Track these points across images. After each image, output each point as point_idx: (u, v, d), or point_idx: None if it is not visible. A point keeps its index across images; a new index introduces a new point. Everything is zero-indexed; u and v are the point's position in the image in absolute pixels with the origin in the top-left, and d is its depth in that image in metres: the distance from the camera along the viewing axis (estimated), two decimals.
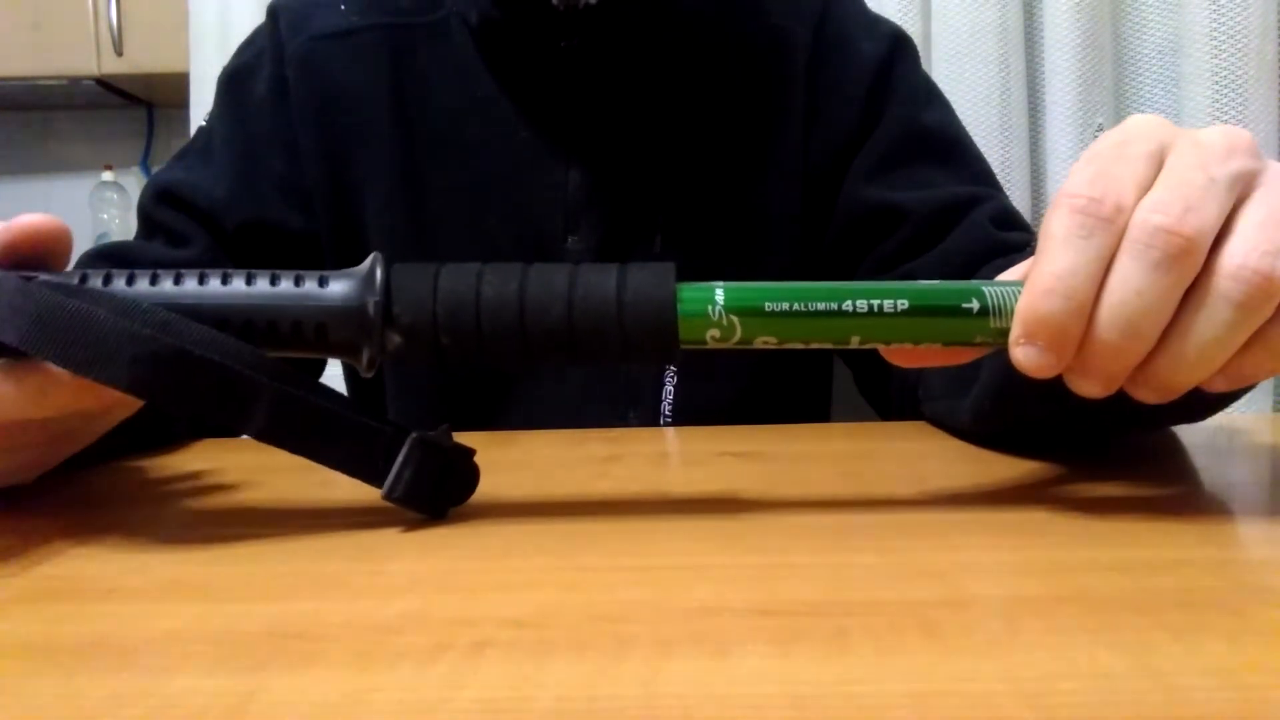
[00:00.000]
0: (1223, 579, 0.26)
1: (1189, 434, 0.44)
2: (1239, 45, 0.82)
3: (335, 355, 0.31)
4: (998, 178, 0.64)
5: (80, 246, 0.42)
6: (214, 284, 0.30)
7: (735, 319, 0.30)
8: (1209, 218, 0.27)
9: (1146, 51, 0.89)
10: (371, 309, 0.30)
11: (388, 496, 0.31)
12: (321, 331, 0.30)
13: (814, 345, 0.30)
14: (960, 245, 0.55)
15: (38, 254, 0.31)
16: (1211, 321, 0.27)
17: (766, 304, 0.30)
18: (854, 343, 0.30)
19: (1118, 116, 0.89)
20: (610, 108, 0.60)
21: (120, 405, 0.32)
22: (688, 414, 0.59)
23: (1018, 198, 0.84)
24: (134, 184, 2.07)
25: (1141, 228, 0.27)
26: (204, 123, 0.64)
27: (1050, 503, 0.33)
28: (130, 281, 0.30)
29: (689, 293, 0.30)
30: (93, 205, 2.05)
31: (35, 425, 0.32)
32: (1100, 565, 0.27)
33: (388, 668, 0.21)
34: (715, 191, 0.61)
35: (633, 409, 0.60)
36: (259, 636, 0.23)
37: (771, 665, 0.21)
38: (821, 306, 0.30)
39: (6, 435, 0.32)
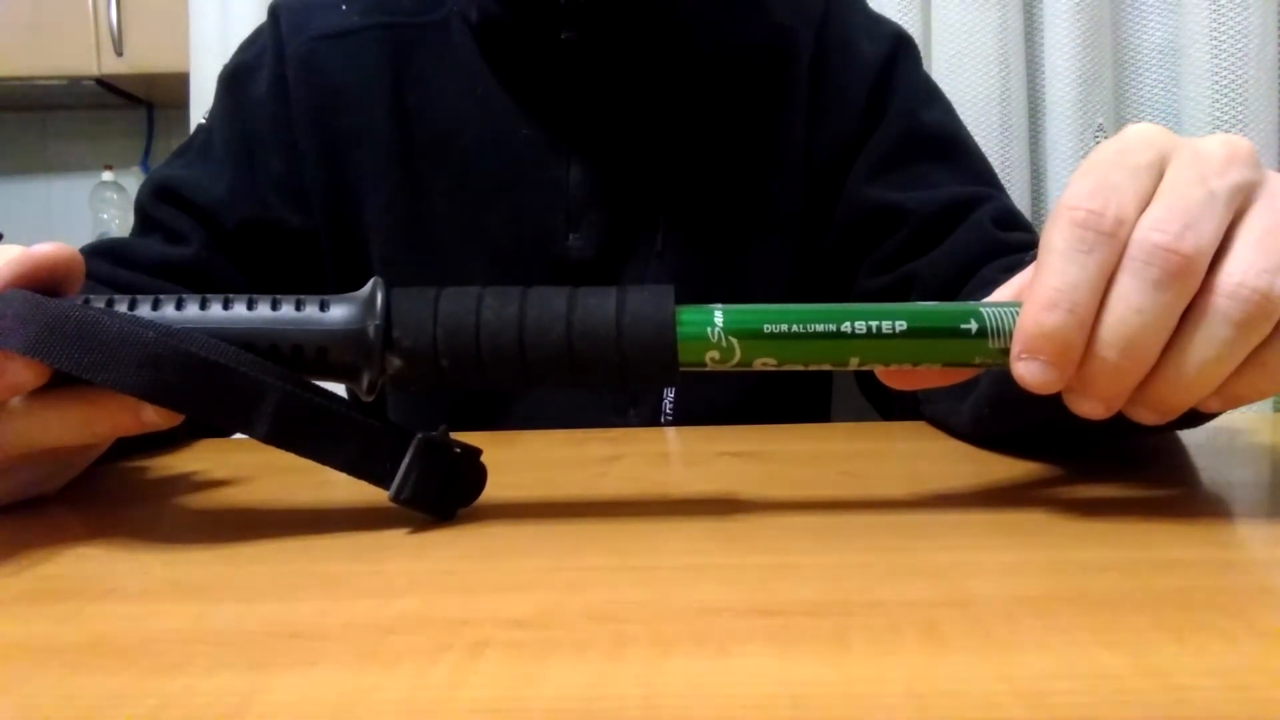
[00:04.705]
0: (1223, 579, 0.26)
1: (1189, 434, 0.44)
2: (1239, 46, 0.82)
3: (335, 378, 0.31)
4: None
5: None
6: (215, 308, 0.30)
7: (734, 341, 0.30)
8: (1207, 234, 0.27)
9: (1146, 52, 0.89)
10: (372, 332, 0.30)
11: (395, 498, 0.31)
12: (322, 355, 0.30)
13: (813, 367, 0.31)
14: (961, 245, 0.55)
15: (55, 281, 0.31)
16: (1210, 340, 0.27)
17: (765, 326, 0.30)
18: (853, 364, 0.30)
19: (1118, 116, 0.89)
20: (611, 104, 0.60)
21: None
22: (689, 414, 0.59)
23: (1018, 198, 0.84)
24: (134, 184, 2.07)
25: (1140, 245, 0.27)
26: (203, 121, 0.64)
27: (1050, 503, 0.33)
28: (132, 306, 0.30)
29: (688, 315, 0.30)
30: (93, 205, 2.05)
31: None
32: (1100, 565, 0.27)
33: (388, 668, 0.21)
34: (717, 189, 0.61)
35: (633, 409, 0.60)
36: (259, 636, 0.23)
37: (771, 665, 0.21)
38: (820, 328, 0.30)
39: (42, 455, 0.33)
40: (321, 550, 0.30)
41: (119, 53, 1.77)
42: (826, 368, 0.31)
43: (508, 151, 0.60)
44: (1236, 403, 0.28)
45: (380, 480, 0.32)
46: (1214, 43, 0.82)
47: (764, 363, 0.30)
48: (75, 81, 1.84)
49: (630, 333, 0.30)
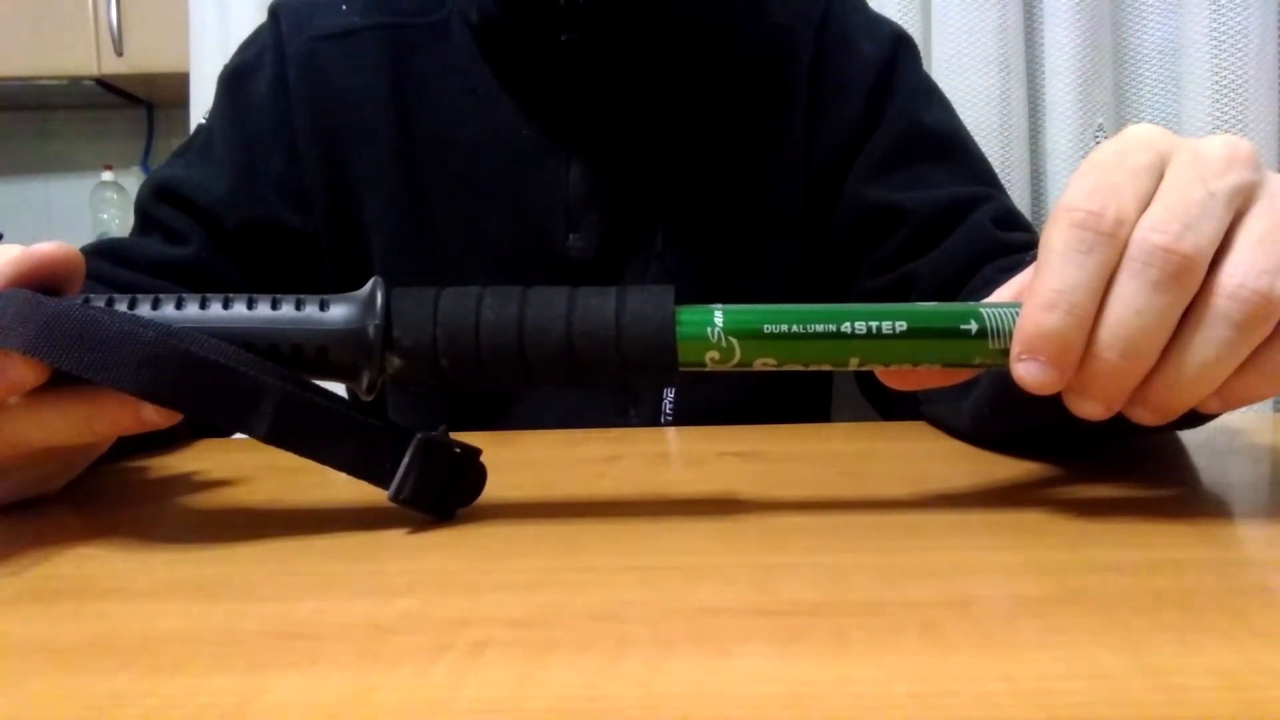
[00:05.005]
0: (1223, 579, 0.26)
1: (1189, 434, 0.44)
2: (1239, 46, 0.82)
3: (335, 378, 0.31)
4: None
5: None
6: (215, 308, 0.30)
7: (734, 341, 0.30)
8: (1207, 235, 0.27)
9: (1146, 52, 0.89)
10: (372, 332, 0.30)
11: (394, 498, 0.31)
12: (322, 354, 0.30)
13: (813, 367, 0.31)
14: (961, 245, 0.55)
15: (56, 280, 0.31)
16: (1210, 341, 0.27)
17: (765, 326, 0.30)
18: (853, 364, 0.30)
19: (1118, 117, 0.89)
20: (611, 104, 0.60)
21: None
22: (689, 414, 0.59)
23: (1018, 198, 0.84)
24: (134, 184, 2.07)
25: (1140, 246, 0.27)
26: (204, 121, 0.64)
27: (1050, 503, 0.33)
28: (132, 306, 0.30)
29: (688, 315, 0.30)
30: (93, 205, 2.05)
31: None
32: (1100, 565, 0.27)
33: (388, 668, 0.21)
34: (717, 188, 0.61)
35: (634, 409, 0.60)
36: (259, 636, 0.23)
37: (771, 665, 0.21)
38: (820, 328, 0.30)
39: (43, 455, 0.33)
40: (321, 550, 0.30)
41: (119, 53, 1.77)
42: (826, 368, 0.31)
43: (508, 152, 0.60)
44: (1236, 404, 0.28)
45: (380, 480, 0.32)
46: (1214, 43, 0.82)
47: (764, 363, 0.30)
48: (75, 81, 1.84)
49: (630, 333, 0.30)
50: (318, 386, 0.32)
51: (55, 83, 1.85)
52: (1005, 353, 0.29)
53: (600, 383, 0.31)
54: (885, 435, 0.51)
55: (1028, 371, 0.28)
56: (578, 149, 0.60)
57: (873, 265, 0.60)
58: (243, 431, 0.30)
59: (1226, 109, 0.83)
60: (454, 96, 0.61)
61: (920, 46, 0.73)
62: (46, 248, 0.31)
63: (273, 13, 0.64)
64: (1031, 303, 0.28)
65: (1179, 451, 0.42)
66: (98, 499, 0.38)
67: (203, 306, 0.30)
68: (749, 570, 0.27)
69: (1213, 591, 0.25)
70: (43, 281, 0.31)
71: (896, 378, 0.32)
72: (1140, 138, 0.29)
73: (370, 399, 0.31)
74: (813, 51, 0.62)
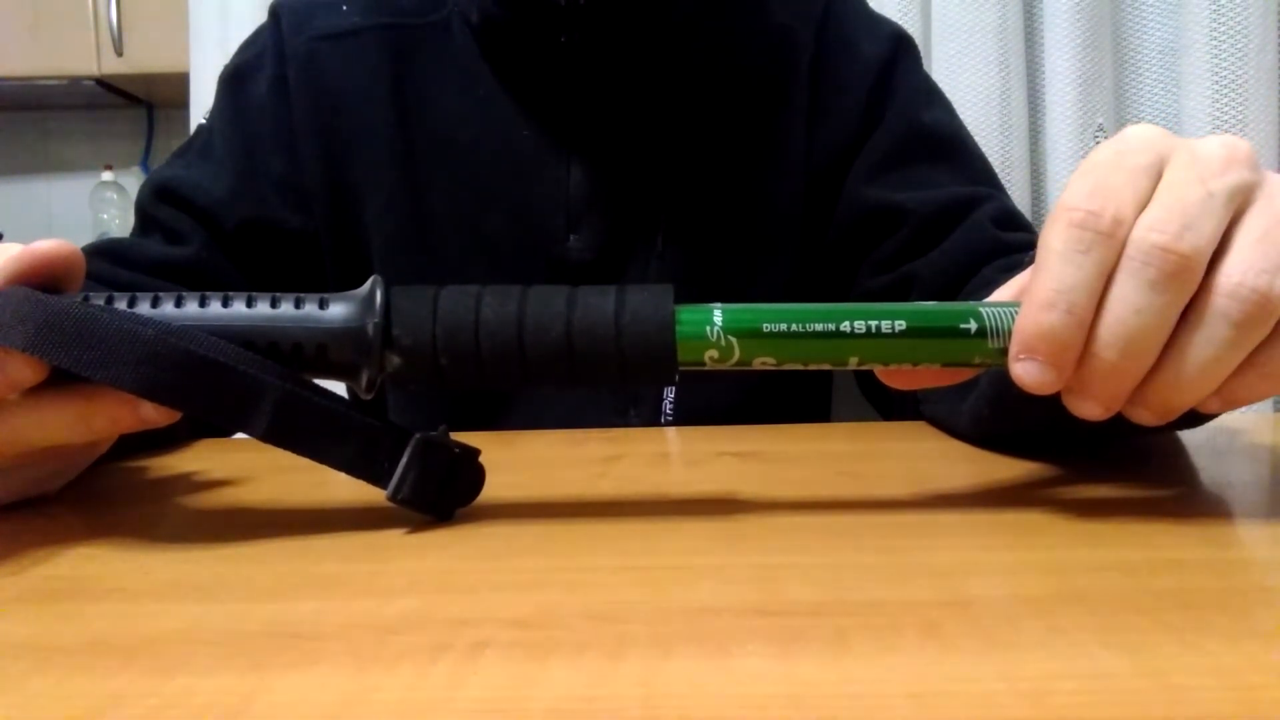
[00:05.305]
0: (1223, 579, 0.26)
1: (1189, 434, 0.44)
2: (1239, 46, 0.82)
3: (335, 376, 0.31)
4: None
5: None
6: (214, 306, 0.30)
7: (733, 340, 0.30)
8: (1206, 234, 0.27)
9: (1146, 52, 0.89)
10: (371, 330, 0.30)
11: (392, 498, 0.31)
12: (322, 352, 0.30)
13: (812, 366, 0.31)
14: (962, 245, 0.55)
15: (55, 278, 0.31)
16: (1210, 341, 0.27)
17: (764, 325, 0.30)
18: (852, 363, 0.30)
19: (1118, 116, 0.89)
20: (612, 104, 0.60)
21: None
22: (689, 414, 0.59)
23: (1018, 198, 0.84)
24: (134, 184, 2.07)
25: (1138, 246, 0.27)
26: (204, 121, 0.64)
27: (1050, 503, 0.33)
28: (131, 304, 0.30)
29: (687, 314, 0.30)
30: (93, 205, 2.05)
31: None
32: (1100, 565, 0.27)
33: (388, 668, 0.21)
34: (718, 189, 0.61)
35: (634, 409, 0.60)
36: (259, 636, 0.23)
37: (771, 665, 0.21)
38: (819, 327, 0.30)
39: (43, 454, 0.33)
40: (321, 550, 0.30)
41: (119, 53, 1.77)
42: (826, 367, 0.31)
43: (508, 152, 0.60)
44: (1235, 404, 0.28)
45: (379, 480, 0.32)
46: (1214, 43, 0.82)
47: (763, 362, 0.30)
48: (75, 81, 1.84)
49: (630, 331, 0.30)
50: (317, 385, 0.32)
51: (55, 83, 1.85)
52: (1004, 352, 0.29)
53: (600, 382, 0.31)
54: (885, 435, 0.51)
55: (1026, 371, 0.28)
56: (578, 150, 0.60)
57: (873, 265, 0.60)
58: (242, 430, 0.30)
59: (1226, 109, 0.83)
60: (454, 97, 0.61)
61: (920, 46, 0.73)
62: (46, 245, 0.31)
63: (273, 13, 0.64)
64: (1030, 302, 0.28)
65: (1179, 451, 0.42)
66: (98, 499, 0.38)
67: (202, 305, 0.30)
68: (749, 570, 0.27)
69: (1213, 591, 0.25)
70: (42, 279, 0.31)
71: (896, 377, 0.32)
72: (1139, 138, 0.29)
73: (370, 398, 0.31)
74: (813, 51, 0.62)
